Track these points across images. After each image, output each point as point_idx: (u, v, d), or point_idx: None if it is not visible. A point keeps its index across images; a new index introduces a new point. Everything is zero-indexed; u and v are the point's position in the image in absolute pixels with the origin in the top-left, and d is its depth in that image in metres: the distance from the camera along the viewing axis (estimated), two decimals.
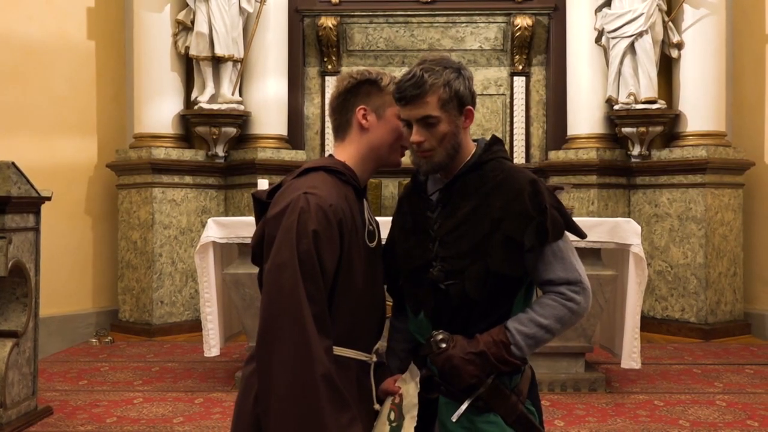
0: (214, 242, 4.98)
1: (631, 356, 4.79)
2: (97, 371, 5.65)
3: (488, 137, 2.13)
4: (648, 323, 6.83)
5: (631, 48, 7.01)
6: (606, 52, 7.23)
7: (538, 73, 7.97)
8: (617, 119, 7.18)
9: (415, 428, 2.02)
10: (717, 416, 4.53)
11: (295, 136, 7.75)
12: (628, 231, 4.76)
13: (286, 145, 7.54)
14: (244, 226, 4.91)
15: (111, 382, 5.34)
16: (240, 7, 7.15)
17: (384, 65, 8.01)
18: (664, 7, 7.04)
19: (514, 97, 7.97)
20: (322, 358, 1.74)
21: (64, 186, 6.55)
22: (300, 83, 7.89)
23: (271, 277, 1.80)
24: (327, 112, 2.13)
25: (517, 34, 7.79)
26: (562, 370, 5.04)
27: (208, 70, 7.19)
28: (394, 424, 1.97)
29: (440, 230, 2.01)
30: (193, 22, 7.14)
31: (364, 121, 2.00)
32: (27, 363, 4.43)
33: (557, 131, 7.68)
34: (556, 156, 7.50)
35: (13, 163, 4.16)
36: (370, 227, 2.01)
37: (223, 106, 7.17)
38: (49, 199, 4.55)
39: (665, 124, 7.15)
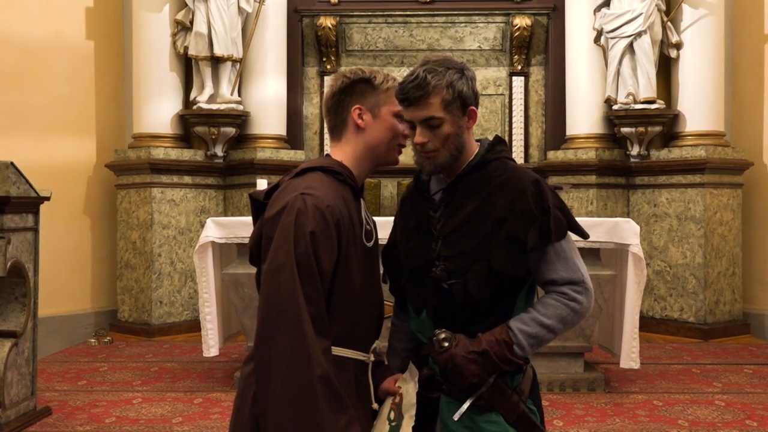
0: (213, 242, 4.98)
1: (630, 356, 4.79)
2: (96, 371, 5.65)
3: (488, 137, 2.14)
4: (647, 323, 6.83)
5: (630, 48, 7.01)
6: (605, 52, 7.23)
7: (537, 73, 7.98)
8: (616, 119, 7.18)
9: (417, 427, 2.03)
10: (716, 416, 4.53)
11: (294, 136, 7.75)
12: (627, 231, 4.76)
13: (285, 145, 7.54)
14: (243, 226, 4.91)
15: (110, 382, 5.34)
16: (239, 7, 7.15)
17: (383, 65, 8.01)
18: (663, 7, 7.04)
19: (513, 97, 7.97)
20: (320, 359, 1.74)
21: (63, 186, 6.54)
22: (299, 83, 7.89)
23: (269, 278, 1.80)
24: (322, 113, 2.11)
25: (516, 34, 7.79)
26: (561, 370, 5.04)
27: (207, 70, 7.18)
28: (393, 424, 1.98)
29: (443, 230, 2.01)
30: (192, 22, 7.14)
31: (359, 121, 1.99)
32: (26, 363, 4.43)
33: (556, 131, 7.68)
34: (555, 156, 7.50)
35: (12, 163, 4.16)
36: (368, 227, 2.01)
37: (222, 106, 7.17)
38: (48, 199, 4.54)
39: (664, 124, 7.16)
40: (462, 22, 7.98)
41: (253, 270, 1.98)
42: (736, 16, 7.40)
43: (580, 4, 7.32)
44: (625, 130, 7.17)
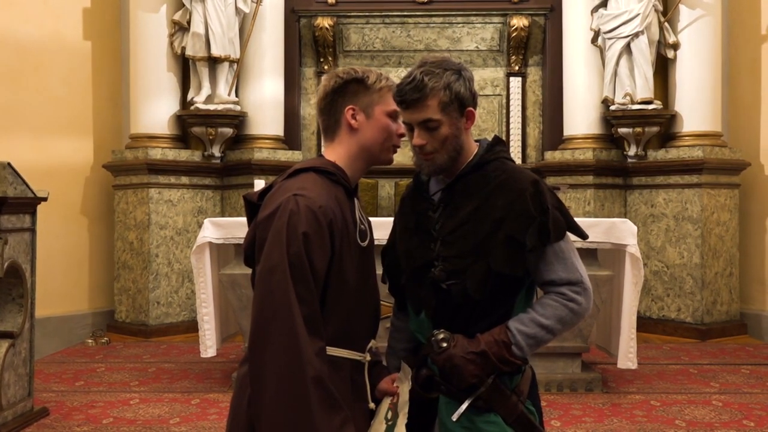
0: (210, 243, 4.98)
1: (627, 356, 4.80)
2: (93, 372, 5.64)
3: (487, 138, 2.14)
4: (644, 323, 6.84)
5: (627, 48, 7.02)
6: (602, 52, 7.24)
7: (534, 74, 7.98)
8: (613, 120, 7.19)
9: (416, 428, 2.04)
10: (713, 416, 4.53)
11: (291, 137, 7.74)
12: (624, 231, 4.76)
13: (282, 145, 7.54)
14: (240, 227, 4.91)
15: (107, 382, 5.34)
16: (236, 8, 7.14)
17: (380, 65, 8.01)
18: (660, 8, 7.05)
19: (511, 97, 7.98)
20: (313, 360, 1.74)
21: (60, 187, 6.53)
22: (296, 84, 7.89)
23: (262, 280, 1.80)
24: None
25: (514, 34, 7.80)
26: (559, 371, 5.04)
27: (204, 71, 7.18)
28: (390, 423, 1.98)
29: (442, 230, 2.01)
30: (189, 23, 7.13)
31: (353, 122, 1.98)
32: (23, 364, 4.43)
33: (553, 132, 7.69)
34: (553, 156, 7.51)
35: (9, 164, 4.16)
36: (362, 226, 2.01)
37: (220, 107, 7.16)
38: (45, 199, 4.54)
39: (661, 124, 7.17)
40: (459, 23, 7.98)
41: (250, 270, 1.99)
42: (733, 17, 7.41)
43: (577, 4, 7.32)
44: (622, 130, 7.18)
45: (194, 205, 7.25)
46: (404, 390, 2.04)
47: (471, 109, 2.00)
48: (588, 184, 7.19)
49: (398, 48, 8.02)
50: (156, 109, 7.22)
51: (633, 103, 7.05)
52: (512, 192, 1.95)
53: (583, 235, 2.06)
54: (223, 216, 7.21)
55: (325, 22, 7.82)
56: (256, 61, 7.38)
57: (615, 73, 7.12)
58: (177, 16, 7.17)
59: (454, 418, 1.95)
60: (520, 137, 7.94)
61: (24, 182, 4.32)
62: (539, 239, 1.92)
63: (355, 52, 8.04)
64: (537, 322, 1.94)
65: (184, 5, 7.14)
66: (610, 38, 7.08)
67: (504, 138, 7.85)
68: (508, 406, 1.95)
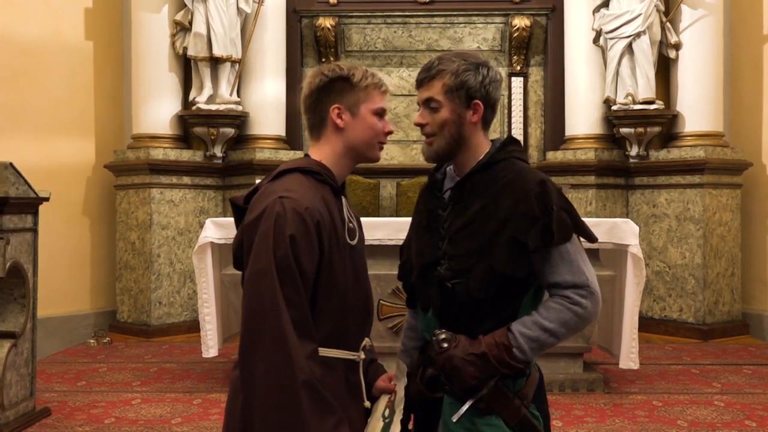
0: (212, 243, 4.98)
1: (629, 356, 4.80)
2: (95, 372, 5.65)
3: (501, 138, 2.13)
4: (646, 323, 6.83)
5: (629, 48, 7.02)
6: (604, 52, 7.23)
7: (536, 74, 7.98)
8: (615, 120, 7.19)
9: (420, 427, 2.05)
10: (715, 416, 4.53)
11: (293, 137, 7.75)
12: (626, 231, 4.76)
13: (284, 145, 7.54)
14: None
15: (109, 382, 5.34)
16: (238, 8, 7.15)
17: (382, 66, 8.02)
18: (662, 8, 7.04)
19: (512, 97, 7.97)
20: (303, 364, 1.74)
21: (62, 187, 6.53)
22: (298, 84, 7.87)
23: (250, 284, 1.80)
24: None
25: (515, 34, 7.79)
26: (561, 371, 5.04)
27: (206, 71, 7.18)
28: (387, 420, 1.99)
29: (450, 228, 2.01)
30: (191, 23, 7.14)
31: (338, 121, 1.96)
32: (25, 364, 4.43)
33: (555, 132, 7.68)
34: (554, 156, 7.51)
35: (11, 164, 4.16)
36: (350, 225, 2.00)
37: (221, 107, 7.16)
38: (47, 199, 4.54)
39: (663, 124, 7.16)
40: (461, 23, 7.98)
41: None
42: (735, 17, 7.40)
43: (579, 4, 7.32)
44: (624, 130, 7.17)
45: (196, 206, 7.25)
46: (400, 387, 2.04)
47: (478, 101, 1.99)
48: (590, 184, 7.19)
49: (400, 48, 8.02)
50: (158, 110, 7.23)
51: (635, 103, 7.04)
52: (517, 192, 1.93)
53: (591, 238, 2.03)
54: (224, 216, 7.20)
55: (326, 22, 7.82)
56: (258, 61, 7.38)
57: (617, 73, 7.12)
58: (179, 17, 7.18)
59: (454, 419, 1.94)
60: (522, 137, 7.92)
61: (26, 182, 4.32)
62: (542, 240, 1.90)
63: (356, 52, 8.04)
64: (540, 325, 1.91)
65: (185, 5, 7.15)
66: (611, 38, 7.07)
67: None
68: (510, 410, 1.92)
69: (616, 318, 5.00)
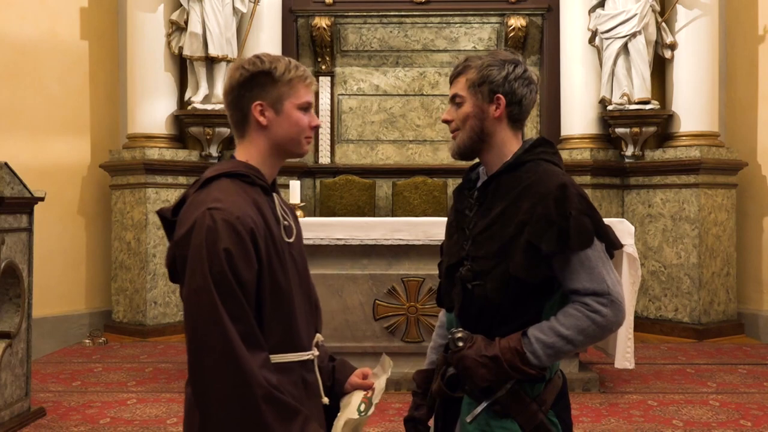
0: None
1: (624, 356, 4.80)
2: (90, 372, 5.64)
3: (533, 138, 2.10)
4: (641, 323, 6.84)
5: (625, 49, 7.02)
6: (599, 52, 7.24)
7: None
8: (611, 120, 7.20)
9: (439, 425, 2.05)
10: (710, 416, 4.54)
11: None
12: (621, 231, 4.76)
13: None
14: None
15: (104, 383, 5.33)
16: (234, 8, 7.14)
17: (378, 65, 8.03)
18: (658, 8, 7.05)
19: None
20: (258, 378, 1.68)
21: (57, 186, 6.52)
22: None
23: (189, 304, 1.73)
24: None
25: (511, 34, 7.80)
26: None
27: (201, 71, 7.18)
28: (363, 414, 1.96)
29: (474, 229, 1.99)
30: (186, 23, 7.13)
31: (261, 119, 1.87)
32: (20, 364, 4.42)
33: (551, 131, 7.69)
34: None
35: (6, 164, 4.15)
36: (285, 223, 1.93)
37: (217, 107, 7.15)
38: (42, 199, 4.53)
39: (658, 124, 7.17)
40: (457, 23, 7.99)
41: None
42: (730, 17, 7.42)
43: (574, 4, 7.33)
44: (619, 130, 7.18)
45: None
46: (381, 382, 2.03)
47: (500, 95, 1.97)
48: (585, 184, 7.19)
49: (396, 48, 8.02)
50: (153, 109, 7.22)
51: (630, 103, 7.05)
52: (536, 195, 1.89)
53: (615, 245, 1.96)
54: None
55: (322, 22, 7.83)
56: None
57: (612, 73, 7.13)
58: (174, 16, 7.17)
59: (468, 419, 1.92)
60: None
61: (21, 182, 4.31)
62: (557, 245, 1.85)
63: (352, 52, 8.05)
64: (556, 332, 1.86)
65: (181, 5, 7.14)
66: (607, 38, 7.08)
67: None
68: (526, 414, 1.88)
69: None
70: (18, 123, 6.63)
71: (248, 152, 1.92)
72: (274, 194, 1.94)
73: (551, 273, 1.90)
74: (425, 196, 7.68)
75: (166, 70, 7.27)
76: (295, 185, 6.06)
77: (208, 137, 7.23)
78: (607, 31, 7.05)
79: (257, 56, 1.90)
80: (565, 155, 7.32)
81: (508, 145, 2.02)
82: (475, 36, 8.00)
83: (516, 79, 1.98)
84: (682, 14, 7.07)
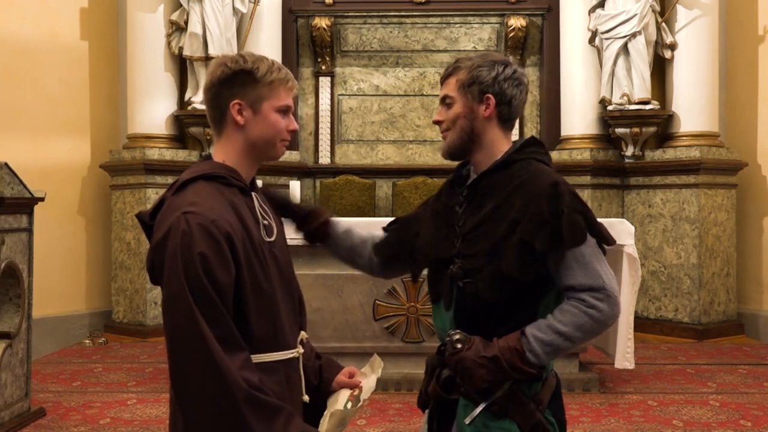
0: None
1: (624, 356, 4.80)
2: (90, 372, 5.64)
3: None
4: (641, 323, 6.84)
5: (625, 49, 7.02)
6: (599, 52, 7.24)
7: (531, 74, 7.98)
8: (611, 120, 7.20)
9: (435, 428, 2.05)
10: (710, 416, 4.54)
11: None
12: (621, 231, 4.76)
13: None
14: None
15: (104, 383, 5.33)
16: (234, 8, 7.14)
17: (378, 66, 8.03)
18: (658, 8, 7.05)
19: None
20: (237, 380, 1.68)
21: (57, 187, 6.51)
22: None
23: (167, 310, 1.73)
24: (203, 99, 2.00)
25: (511, 34, 7.81)
26: (556, 370, 5.02)
27: (201, 71, 7.17)
28: (349, 409, 1.97)
29: (464, 227, 2.00)
30: (186, 23, 7.13)
31: (239, 117, 1.86)
32: (20, 364, 4.42)
33: (551, 132, 7.69)
34: None
35: (5, 164, 4.15)
36: (265, 222, 1.92)
37: None
38: (42, 199, 4.53)
39: (658, 124, 7.17)
40: (457, 23, 7.99)
41: None
42: (730, 17, 7.42)
43: (574, 4, 7.33)
44: (619, 130, 7.18)
45: None
46: (370, 381, 2.04)
47: (489, 95, 1.98)
48: (585, 185, 7.20)
49: (396, 48, 8.02)
50: (153, 109, 7.22)
51: (630, 103, 7.05)
52: (529, 194, 1.91)
53: (608, 241, 1.97)
54: None
55: (322, 22, 7.83)
56: None
57: (612, 74, 7.13)
58: (174, 16, 7.17)
59: (467, 421, 1.92)
60: (517, 137, 7.90)
61: (21, 182, 4.31)
62: (550, 243, 1.86)
63: (352, 52, 8.05)
64: (554, 329, 1.87)
65: (181, 5, 7.14)
66: (607, 38, 7.08)
67: None
68: (524, 414, 1.90)
69: None
70: (18, 123, 6.63)
71: (225, 151, 1.92)
72: (253, 194, 1.94)
73: (544, 272, 1.91)
74: (425, 196, 7.61)
75: (166, 70, 7.27)
76: (295, 186, 6.06)
77: (208, 137, 7.23)
78: (607, 32, 7.05)
79: (241, 55, 1.90)
80: (565, 155, 7.33)
81: (498, 144, 2.03)
82: (475, 36, 8.00)
83: (506, 79, 2.00)
84: (682, 14, 7.07)
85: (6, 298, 4.37)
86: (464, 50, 7.94)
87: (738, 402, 4.83)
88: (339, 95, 8.10)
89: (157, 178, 7.03)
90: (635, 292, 4.81)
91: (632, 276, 4.74)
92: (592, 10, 7.17)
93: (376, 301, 4.90)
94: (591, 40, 7.25)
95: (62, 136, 7.03)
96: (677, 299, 6.94)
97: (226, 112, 1.88)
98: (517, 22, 7.77)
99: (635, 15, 6.90)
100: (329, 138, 8.08)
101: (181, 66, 7.39)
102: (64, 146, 7.04)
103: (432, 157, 8.03)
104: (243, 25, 7.28)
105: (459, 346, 1.90)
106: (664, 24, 7.07)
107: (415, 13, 7.95)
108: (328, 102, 8.07)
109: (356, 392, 2.01)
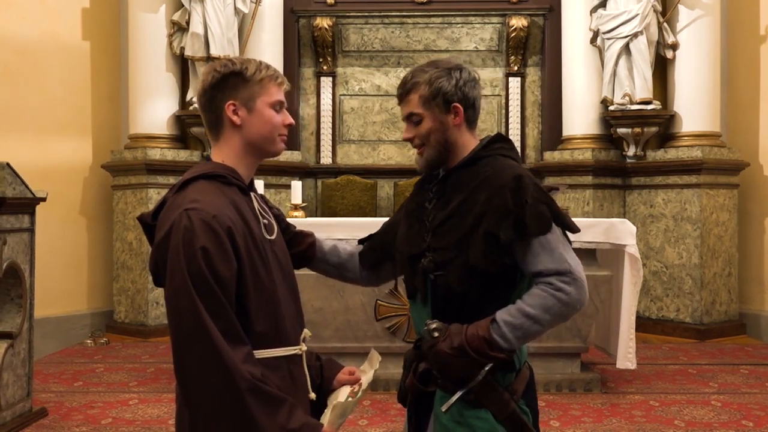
0: None
1: (626, 356, 4.80)
2: (92, 372, 5.64)
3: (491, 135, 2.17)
4: (643, 323, 6.84)
5: (626, 49, 7.02)
6: (601, 52, 7.24)
7: (533, 74, 7.99)
8: (612, 120, 7.19)
9: (412, 420, 2.12)
10: (712, 416, 4.53)
11: (290, 137, 7.59)
12: (623, 231, 4.76)
13: None
14: None
15: (106, 383, 5.34)
16: (235, 8, 7.14)
17: (379, 66, 8.03)
18: (659, 8, 7.05)
19: (510, 97, 7.99)
20: (242, 371, 1.71)
21: (59, 187, 6.52)
22: (295, 84, 7.89)
23: (170, 305, 1.76)
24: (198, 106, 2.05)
25: (513, 34, 7.80)
26: (558, 371, 5.04)
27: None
28: (350, 400, 2.01)
29: (433, 222, 2.06)
30: (188, 23, 7.13)
31: (235, 118, 1.90)
32: (22, 364, 4.42)
33: (552, 132, 7.69)
34: (552, 157, 7.51)
35: (7, 164, 4.16)
36: (265, 221, 1.95)
37: None
38: (44, 200, 4.54)
39: (660, 124, 7.17)
40: (458, 23, 7.99)
41: None
42: (732, 17, 7.41)
43: (576, 4, 7.33)
44: (621, 130, 7.18)
45: None
46: (368, 376, 2.07)
47: (457, 104, 2.03)
48: (587, 185, 7.20)
49: (397, 48, 8.02)
50: (155, 110, 7.22)
51: (632, 103, 7.05)
52: (493, 187, 1.96)
53: (572, 229, 2.03)
54: None
55: (324, 22, 7.83)
56: None
57: (614, 74, 7.12)
58: (176, 17, 7.17)
59: (443, 409, 1.97)
60: (519, 137, 7.94)
61: (23, 182, 4.31)
62: (515, 233, 1.91)
63: (354, 52, 8.05)
64: (523, 312, 1.91)
65: (183, 5, 7.14)
66: (609, 38, 7.08)
67: None
68: (499, 403, 1.94)
69: (614, 318, 5.01)
70: (20, 123, 6.64)
71: (223, 153, 1.95)
72: (252, 194, 1.97)
73: (511, 262, 1.96)
74: None
75: (167, 70, 7.27)
76: (296, 186, 6.07)
77: (208, 137, 7.23)
78: (609, 32, 7.05)
79: (228, 59, 1.95)
80: (566, 155, 7.33)
81: (469, 145, 2.10)
82: (477, 36, 8.00)
83: (465, 83, 2.05)
84: (683, 14, 7.06)
85: (8, 298, 4.38)
86: (465, 50, 7.94)
87: (740, 402, 4.83)
88: (340, 95, 8.10)
89: (158, 178, 7.03)
90: (637, 292, 4.80)
91: (634, 276, 4.74)
92: (594, 10, 7.17)
93: (378, 301, 4.90)
94: (592, 40, 7.24)
95: (64, 136, 7.04)
96: (679, 299, 6.93)
97: (221, 114, 1.92)
98: (518, 22, 7.77)
99: (637, 15, 6.90)
100: (331, 138, 8.08)
101: (183, 66, 7.40)
102: (65, 146, 7.05)
103: None
104: (244, 25, 7.29)
105: (436, 335, 1.94)
106: (665, 24, 7.06)
107: (416, 13, 7.95)
108: (330, 102, 8.08)
109: (356, 388, 2.05)
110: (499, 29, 7.93)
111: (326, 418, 1.94)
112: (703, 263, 6.82)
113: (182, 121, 7.34)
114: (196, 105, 7.18)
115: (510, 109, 7.98)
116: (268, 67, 1.94)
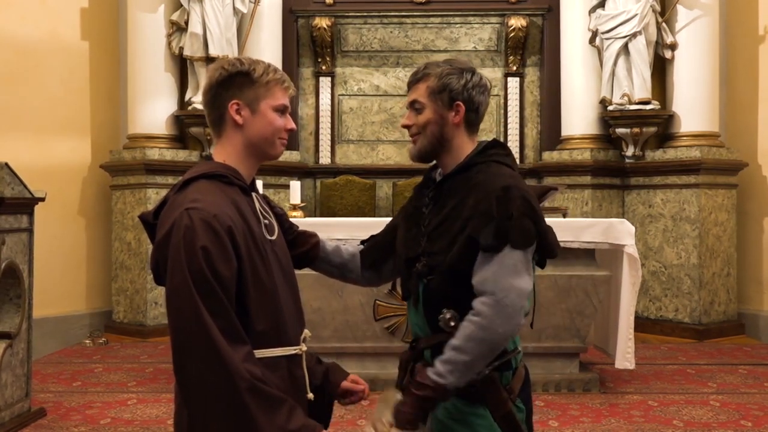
0: None
1: (625, 356, 4.80)
2: (90, 372, 5.64)
3: (488, 139, 2.18)
4: (642, 324, 6.84)
5: (625, 49, 7.03)
6: (600, 52, 7.24)
7: (532, 74, 7.99)
8: (611, 120, 7.20)
9: None
10: (711, 416, 4.54)
11: (289, 137, 7.70)
12: (621, 231, 4.77)
13: None
14: None
15: (105, 383, 5.33)
16: (234, 8, 7.14)
17: (378, 66, 8.03)
18: (658, 8, 7.05)
19: (508, 97, 7.99)
20: (241, 371, 1.71)
21: (58, 187, 6.51)
22: (294, 84, 7.86)
23: (170, 304, 1.76)
24: (202, 103, 2.05)
25: (511, 34, 7.81)
26: (557, 371, 5.04)
27: (202, 71, 7.18)
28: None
29: (428, 226, 2.07)
30: (187, 23, 7.13)
31: (237, 117, 1.91)
32: (20, 364, 4.42)
33: (551, 132, 7.69)
34: (550, 157, 7.52)
35: (6, 164, 4.15)
36: (266, 221, 1.96)
37: None
38: (42, 200, 4.54)
39: (659, 124, 7.17)
40: (457, 23, 7.99)
41: None
42: (730, 18, 7.41)
43: (575, 4, 7.33)
44: (620, 130, 7.18)
45: None
46: (384, 415, 1.96)
47: (459, 103, 2.04)
48: (586, 185, 7.20)
49: (396, 48, 8.02)
50: (154, 110, 7.22)
51: (631, 103, 7.05)
52: (481, 193, 1.96)
53: (553, 252, 2.01)
54: None
55: (323, 22, 7.83)
56: None
57: (613, 74, 7.13)
58: (175, 17, 7.17)
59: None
60: (518, 138, 7.95)
61: (21, 182, 4.31)
62: (495, 240, 1.89)
63: (353, 52, 8.05)
64: (450, 345, 1.90)
65: (181, 5, 7.14)
66: (607, 38, 7.08)
67: (502, 138, 7.84)
68: (498, 401, 1.96)
69: (612, 318, 5.01)
70: (19, 123, 6.63)
71: (225, 152, 1.96)
72: (253, 194, 1.97)
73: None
74: None
75: (166, 70, 7.28)
76: (295, 186, 6.07)
77: (208, 137, 7.23)
78: (608, 32, 7.05)
79: (237, 58, 1.95)
80: (565, 155, 7.33)
81: (465, 148, 2.10)
82: (476, 36, 8.00)
83: (474, 87, 2.06)
84: (682, 14, 7.07)
85: (6, 298, 4.38)
86: (465, 50, 7.94)
87: (738, 402, 4.83)
88: (339, 95, 8.10)
89: (157, 178, 7.03)
90: (636, 292, 4.81)
91: (633, 276, 4.75)
92: (593, 10, 7.17)
93: (377, 301, 4.90)
94: (591, 40, 7.25)
95: (63, 136, 7.04)
96: (678, 299, 6.94)
97: (225, 112, 1.92)
98: (517, 22, 7.77)
99: (636, 15, 6.90)
100: (330, 138, 8.08)
101: (182, 66, 7.40)
102: (64, 146, 7.04)
103: None
104: (243, 25, 7.29)
105: (452, 324, 1.94)
106: (664, 24, 7.07)
107: (415, 14, 7.95)
108: (329, 102, 8.08)
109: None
110: (498, 29, 7.94)
111: (386, 414, 1.92)
112: (702, 263, 6.82)
113: (181, 121, 7.34)
114: (195, 105, 7.26)
115: (509, 109, 7.99)
116: (275, 70, 1.95)
